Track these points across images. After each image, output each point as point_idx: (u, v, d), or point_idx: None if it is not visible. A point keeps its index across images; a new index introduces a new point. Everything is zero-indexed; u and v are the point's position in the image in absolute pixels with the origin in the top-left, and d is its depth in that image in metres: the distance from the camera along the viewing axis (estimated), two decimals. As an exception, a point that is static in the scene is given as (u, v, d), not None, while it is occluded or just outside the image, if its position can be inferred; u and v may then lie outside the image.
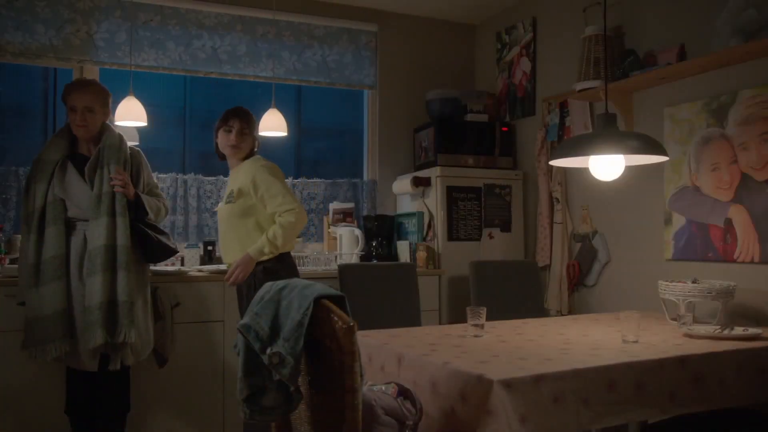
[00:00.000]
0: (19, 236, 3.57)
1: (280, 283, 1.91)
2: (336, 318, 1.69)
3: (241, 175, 3.03)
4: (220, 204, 3.18)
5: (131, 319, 2.73)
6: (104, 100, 2.94)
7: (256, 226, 2.99)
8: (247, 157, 3.09)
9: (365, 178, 4.66)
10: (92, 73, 3.88)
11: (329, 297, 1.78)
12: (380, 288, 3.47)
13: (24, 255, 2.81)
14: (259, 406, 1.86)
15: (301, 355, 1.75)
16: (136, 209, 2.88)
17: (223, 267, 3.78)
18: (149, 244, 2.90)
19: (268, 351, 1.75)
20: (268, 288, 1.92)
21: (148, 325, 2.92)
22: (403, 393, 1.86)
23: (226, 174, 3.64)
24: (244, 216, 2.99)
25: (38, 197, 2.81)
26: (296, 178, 4.43)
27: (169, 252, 2.99)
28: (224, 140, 3.05)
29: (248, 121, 3.07)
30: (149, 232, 2.91)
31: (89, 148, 2.92)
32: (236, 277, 2.94)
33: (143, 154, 3.08)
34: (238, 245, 3.00)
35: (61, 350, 2.73)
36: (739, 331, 2.40)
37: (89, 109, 2.85)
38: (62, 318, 2.73)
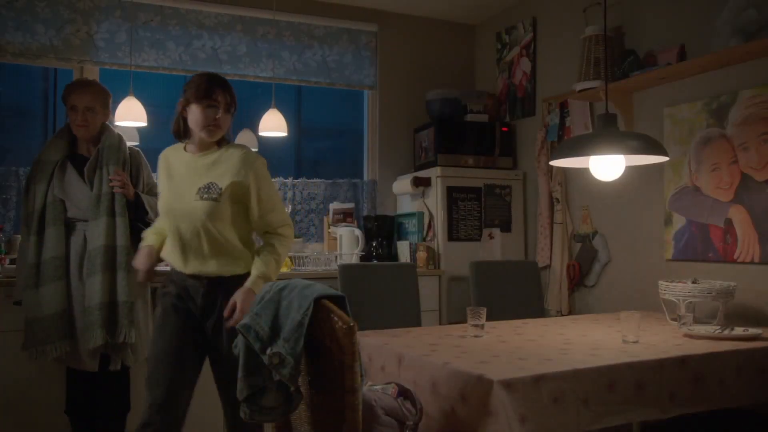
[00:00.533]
0: (20, 236, 3.58)
1: (281, 283, 1.91)
2: (336, 318, 1.69)
3: (227, 166, 2.34)
4: (178, 194, 2.32)
5: (131, 319, 2.73)
6: (105, 101, 2.94)
7: (239, 238, 2.38)
8: (221, 142, 2.41)
9: (365, 178, 4.66)
10: (92, 73, 3.88)
11: (329, 297, 1.78)
12: (380, 288, 3.46)
13: (23, 255, 2.81)
14: (259, 406, 1.86)
15: (301, 355, 1.75)
16: (135, 209, 2.88)
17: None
18: None
19: (268, 351, 1.75)
20: (268, 288, 1.91)
21: (148, 325, 2.92)
22: (403, 393, 1.86)
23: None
24: (231, 224, 2.34)
25: (38, 198, 2.81)
26: (296, 178, 4.43)
27: None
28: (204, 119, 2.30)
29: (233, 95, 2.41)
30: None
31: (89, 148, 2.92)
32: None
33: (143, 154, 3.07)
34: (226, 259, 2.33)
35: (60, 351, 2.74)
36: (739, 331, 2.40)
37: (90, 108, 2.85)
38: (62, 318, 2.74)
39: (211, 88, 2.33)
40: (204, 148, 2.38)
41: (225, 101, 2.35)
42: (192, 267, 2.32)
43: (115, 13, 3.90)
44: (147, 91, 3.82)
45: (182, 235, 2.31)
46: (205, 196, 2.30)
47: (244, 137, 3.94)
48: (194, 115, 2.33)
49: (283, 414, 1.89)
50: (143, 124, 3.56)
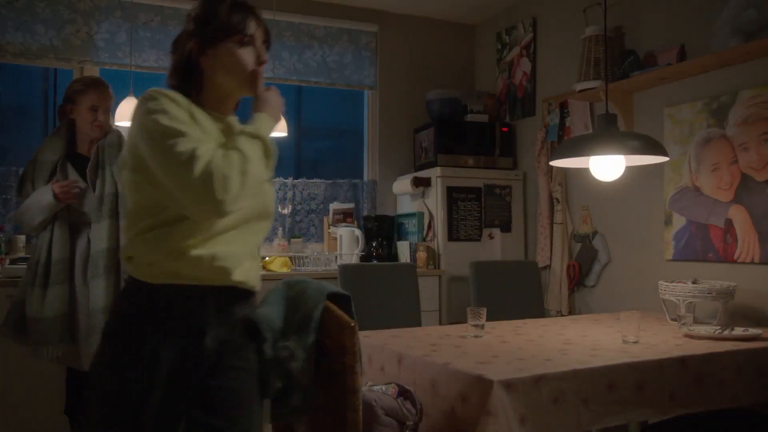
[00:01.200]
0: (20, 236, 3.58)
1: (288, 279, 1.85)
2: (337, 318, 1.69)
3: None
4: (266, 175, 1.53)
5: None
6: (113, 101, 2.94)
7: None
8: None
9: (365, 178, 4.66)
10: (92, 73, 3.88)
11: (337, 295, 1.77)
12: (380, 288, 3.46)
13: (34, 254, 2.77)
14: (288, 406, 1.76)
15: (312, 348, 1.71)
16: None
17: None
18: None
19: (278, 344, 1.69)
20: (280, 285, 1.85)
21: None
22: (404, 393, 1.86)
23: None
24: None
25: None
26: (296, 179, 4.43)
27: None
28: (247, 62, 1.58)
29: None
30: None
31: (89, 147, 2.89)
32: None
33: None
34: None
35: (55, 353, 2.69)
36: (739, 331, 2.40)
37: (107, 109, 2.85)
38: (62, 322, 2.69)
39: (244, 21, 1.58)
40: (227, 110, 1.65)
41: (262, 36, 1.63)
42: (243, 273, 1.56)
43: (115, 13, 3.90)
44: (147, 91, 3.82)
45: (258, 225, 1.62)
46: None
47: (244, 137, 3.94)
48: (227, 59, 1.57)
49: (304, 412, 1.81)
50: (143, 124, 3.56)
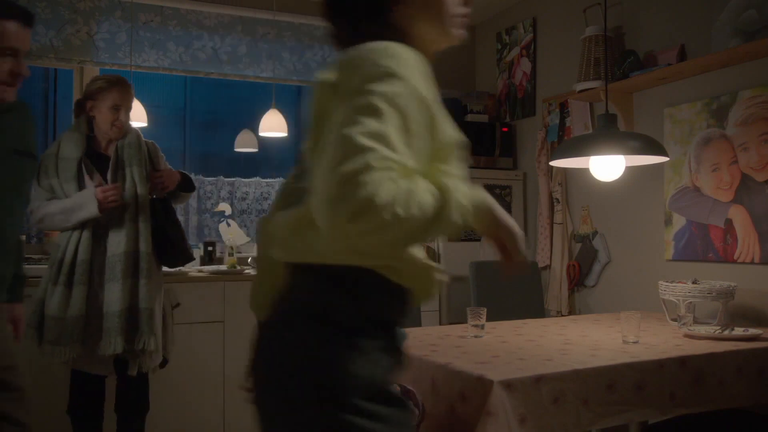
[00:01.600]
0: (22, 237, 3.56)
1: None
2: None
3: None
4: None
5: (151, 326, 2.68)
6: None
7: None
8: None
9: (365, 178, 4.66)
10: (92, 73, 3.88)
11: None
12: (380, 288, 3.47)
13: (56, 252, 2.74)
14: None
15: None
16: (184, 185, 2.93)
17: (223, 267, 3.78)
18: (177, 250, 2.86)
19: None
20: None
21: (161, 329, 2.88)
22: (407, 393, 1.86)
23: (228, 174, 3.57)
24: None
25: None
26: (296, 179, 4.43)
27: (189, 259, 2.97)
28: None
29: None
30: (185, 238, 2.91)
31: (106, 146, 2.84)
32: None
33: (157, 145, 3.04)
34: None
35: (70, 354, 2.67)
36: (739, 331, 2.40)
37: (129, 109, 2.84)
38: (79, 322, 2.68)
39: None
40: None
41: None
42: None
43: (115, 13, 3.90)
44: (147, 91, 3.82)
45: None
46: None
47: (244, 137, 3.94)
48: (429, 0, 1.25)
49: None
50: (143, 124, 3.57)
